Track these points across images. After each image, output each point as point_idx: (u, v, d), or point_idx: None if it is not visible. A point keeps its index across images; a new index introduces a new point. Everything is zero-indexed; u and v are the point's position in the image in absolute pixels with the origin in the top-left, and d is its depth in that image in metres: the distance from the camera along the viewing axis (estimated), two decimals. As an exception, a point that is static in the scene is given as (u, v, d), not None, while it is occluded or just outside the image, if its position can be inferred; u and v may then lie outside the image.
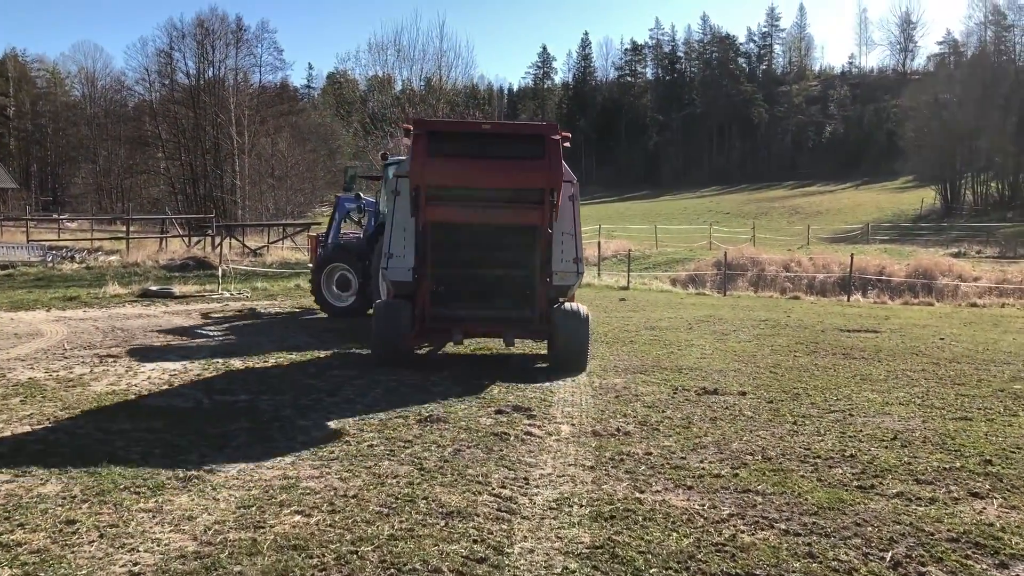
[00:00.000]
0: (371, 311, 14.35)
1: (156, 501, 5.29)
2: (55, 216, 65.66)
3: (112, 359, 10.67)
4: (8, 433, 6.91)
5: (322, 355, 11.26)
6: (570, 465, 6.29)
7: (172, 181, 63.79)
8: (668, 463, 6.37)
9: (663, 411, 8.11)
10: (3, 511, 5.07)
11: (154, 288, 19.69)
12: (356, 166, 17.38)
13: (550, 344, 10.55)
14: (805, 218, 73.01)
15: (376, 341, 10.20)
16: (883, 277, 28.40)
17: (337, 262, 15.69)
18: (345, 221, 17.64)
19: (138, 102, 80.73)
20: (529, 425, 7.45)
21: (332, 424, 7.39)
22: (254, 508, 5.20)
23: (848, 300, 24.08)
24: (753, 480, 5.98)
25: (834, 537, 4.94)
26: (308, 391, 8.78)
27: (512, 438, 7.01)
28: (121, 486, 5.55)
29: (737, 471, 6.19)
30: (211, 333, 13.38)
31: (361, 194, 16.94)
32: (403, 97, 39.10)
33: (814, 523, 5.15)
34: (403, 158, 14.90)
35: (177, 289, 20.04)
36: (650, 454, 6.61)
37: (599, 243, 33.84)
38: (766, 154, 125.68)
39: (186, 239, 35.47)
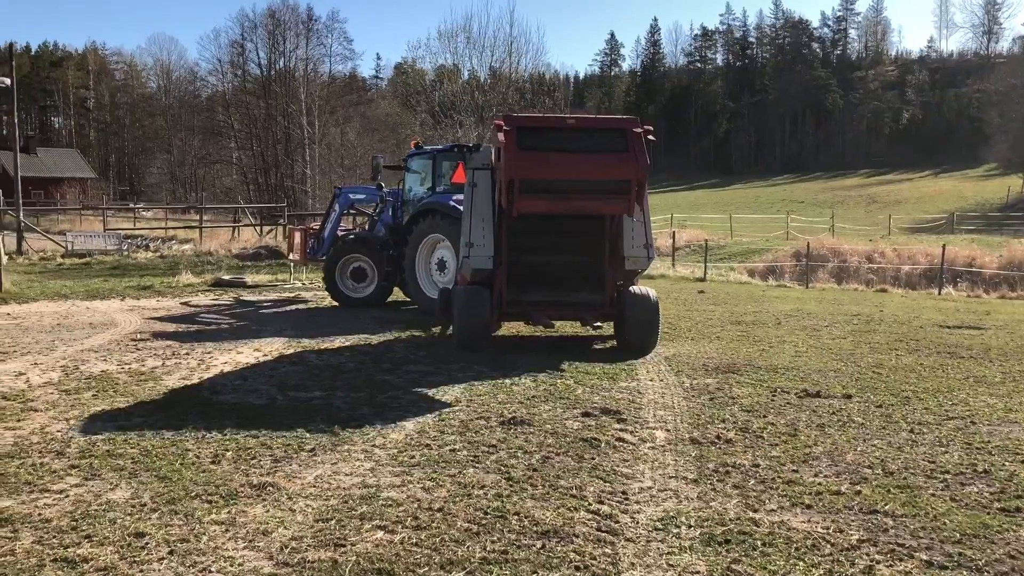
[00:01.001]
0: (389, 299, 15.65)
1: (229, 512, 4.92)
2: (131, 205, 67.27)
3: (185, 351, 10.46)
4: (79, 431, 6.65)
5: (396, 347, 10.89)
6: (671, 477, 5.75)
7: (244, 171, 64.56)
8: (779, 477, 5.79)
9: (764, 416, 7.50)
10: (71, 520, 4.75)
11: (227, 278, 19.66)
12: (382, 156, 17.03)
13: (619, 326, 10.90)
14: (884, 207, 70.69)
15: (459, 326, 10.57)
16: (974, 269, 27.04)
17: (355, 253, 15.53)
18: (345, 214, 17.34)
19: (211, 93, 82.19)
20: (620, 430, 6.92)
21: (411, 425, 6.97)
22: (333, 522, 4.79)
23: (939, 293, 22.92)
24: (878, 499, 5.36)
25: (987, 572, 4.31)
26: (384, 388, 8.39)
27: (603, 444, 6.49)
28: (192, 493, 5.20)
29: (858, 487, 5.57)
30: (284, 324, 13.14)
31: (383, 184, 16.62)
32: (471, 85, 38.73)
33: (960, 553, 4.52)
34: (430, 148, 15.47)
35: (249, 278, 20.00)
36: (757, 466, 6.03)
37: (672, 233, 33.02)
38: (841, 141, 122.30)
39: (258, 228, 35.70)
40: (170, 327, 12.66)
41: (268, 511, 4.95)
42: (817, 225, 46.96)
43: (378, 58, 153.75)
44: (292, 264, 20.52)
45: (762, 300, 17.97)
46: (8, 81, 26.72)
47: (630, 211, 10.28)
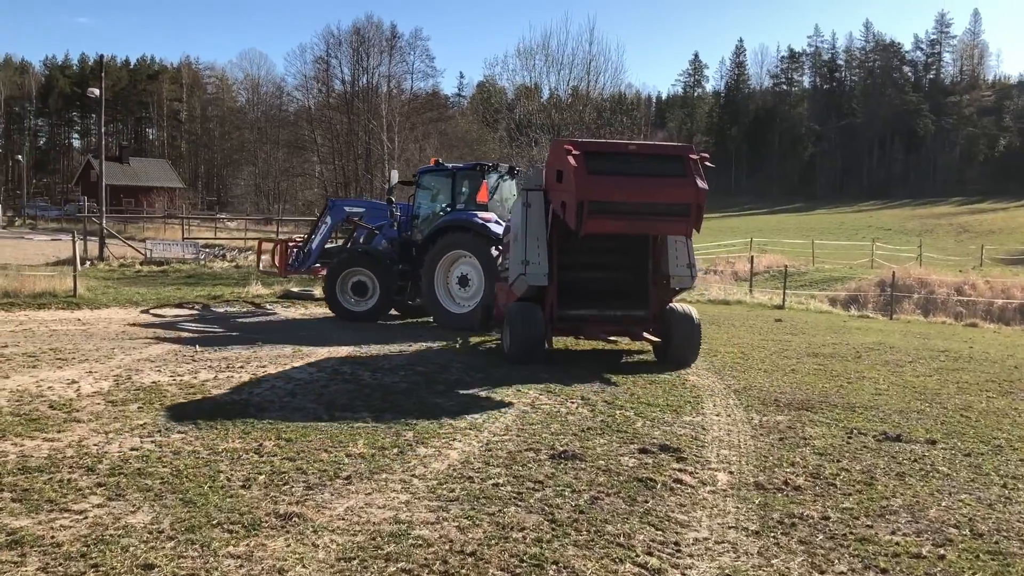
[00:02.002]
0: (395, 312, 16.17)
1: (248, 544, 4.61)
2: (215, 215, 68.89)
3: (240, 364, 10.32)
4: (116, 446, 6.47)
5: (453, 367, 10.56)
6: (730, 528, 5.24)
7: (325, 184, 65.62)
8: (851, 532, 5.23)
9: (838, 460, 6.90)
10: (83, 546, 4.51)
11: (295, 290, 19.69)
12: (396, 171, 17.07)
13: (664, 342, 11.45)
14: (975, 237, 67.82)
15: (515, 342, 10.95)
16: (1074, 305, 25.48)
17: (358, 267, 15.44)
18: (339, 227, 17.51)
19: (297, 107, 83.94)
20: (679, 470, 6.42)
21: (455, 454, 6.60)
22: (355, 561, 4.44)
23: (1035, 330, 21.57)
24: (965, 566, 4.76)
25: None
26: (434, 411, 8.05)
27: (659, 486, 6.01)
28: (214, 521, 4.91)
29: (942, 550, 4.98)
30: (344, 339, 12.95)
31: (393, 199, 16.55)
32: (550, 104, 38.47)
33: (1061, 640, 3.92)
34: (451, 166, 15.62)
35: (318, 292, 19.96)
36: (827, 518, 5.47)
37: (751, 257, 32.06)
38: (931, 168, 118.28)
39: (334, 241, 35.97)
40: (230, 338, 12.59)
41: (289, 545, 4.63)
42: (904, 253, 45.16)
43: (461, 76, 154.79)
44: (255, 277, 20.58)
45: (842, 331, 17.12)
46: (97, 92, 27.47)
47: (688, 233, 10.83)
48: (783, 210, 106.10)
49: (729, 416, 8.42)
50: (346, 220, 17.30)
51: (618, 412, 8.32)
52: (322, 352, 11.55)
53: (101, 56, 34.82)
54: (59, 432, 6.80)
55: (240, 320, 15.12)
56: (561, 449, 6.79)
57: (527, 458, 6.56)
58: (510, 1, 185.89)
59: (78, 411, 7.53)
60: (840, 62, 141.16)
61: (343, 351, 11.72)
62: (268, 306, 17.56)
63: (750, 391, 9.78)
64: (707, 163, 10.62)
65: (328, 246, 17.50)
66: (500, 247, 13.59)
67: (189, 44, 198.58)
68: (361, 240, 16.81)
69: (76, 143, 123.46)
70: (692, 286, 11.99)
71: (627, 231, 10.96)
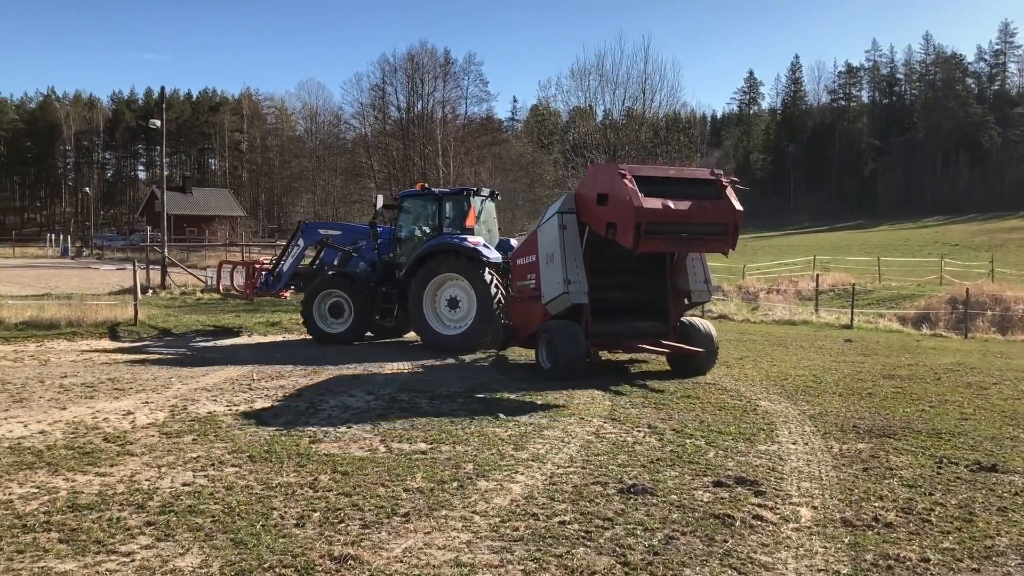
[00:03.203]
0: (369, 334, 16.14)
1: (300, 591, 4.33)
2: (275, 243, 69.82)
3: (296, 392, 10.14)
4: (168, 481, 6.27)
5: (511, 396, 10.23)
6: (819, 571, 4.80)
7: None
8: (956, 577, 4.75)
9: (930, 493, 6.38)
10: (128, 591, 4.27)
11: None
12: (381, 195, 17.35)
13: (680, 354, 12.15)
14: (1049, 251, 65.42)
15: (560, 358, 11.46)
16: None
17: (333, 288, 15.52)
18: (312, 247, 17.45)
19: (354, 135, 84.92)
20: (757, 505, 5.98)
21: (518, 488, 6.25)
22: (414, 610, 4.12)
23: (1123, 347, 20.43)
24: (1091, 617, 4.26)
25: None
26: (493, 442, 7.71)
27: (738, 523, 5.58)
28: (265, 564, 4.64)
29: (1061, 599, 4.48)
30: (403, 366, 12.73)
31: (376, 222, 16.62)
32: (605, 125, 38.12)
33: None
34: (437, 190, 15.77)
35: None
36: (927, 560, 4.99)
37: (816, 276, 31.21)
38: (999, 181, 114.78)
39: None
40: (287, 367, 12.45)
41: (344, 592, 4.33)
42: (974, 269, 43.60)
43: (514, 100, 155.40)
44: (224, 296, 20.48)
45: (917, 351, 16.38)
46: (158, 123, 27.94)
47: (726, 250, 11.59)
48: (844, 227, 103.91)
49: (807, 444, 7.94)
50: (319, 242, 17.26)
51: (688, 441, 7.89)
52: (380, 379, 11.33)
53: (162, 89, 35.63)
54: (112, 466, 6.63)
55: (297, 347, 14.99)
56: (630, 482, 6.40)
57: (594, 492, 6.19)
58: (563, 24, 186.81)
59: (132, 444, 7.38)
60: (900, 76, 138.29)
61: (402, 376, 11.48)
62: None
63: (826, 417, 9.26)
64: (738, 186, 11.58)
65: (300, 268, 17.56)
66: (509, 269, 13.89)
67: (250, 76, 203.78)
68: (335, 262, 16.82)
69: (142, 175, 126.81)
70: (709, 299, 13.23)
71: (673, 249, 11.83)
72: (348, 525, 5.38)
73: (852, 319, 22.52)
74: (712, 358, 12.32)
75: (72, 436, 7.63)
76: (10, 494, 5.86)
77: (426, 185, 16.08)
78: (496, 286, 14.26)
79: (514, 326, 13.13)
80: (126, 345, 14.73)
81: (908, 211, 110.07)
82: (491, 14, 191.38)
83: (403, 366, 12.74)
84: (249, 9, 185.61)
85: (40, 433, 7.73)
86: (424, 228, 15.65)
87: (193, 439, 7.61)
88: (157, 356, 13.31)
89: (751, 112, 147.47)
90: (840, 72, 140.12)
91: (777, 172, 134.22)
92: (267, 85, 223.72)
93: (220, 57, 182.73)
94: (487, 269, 14.25)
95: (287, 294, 18.60)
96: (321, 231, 17.45)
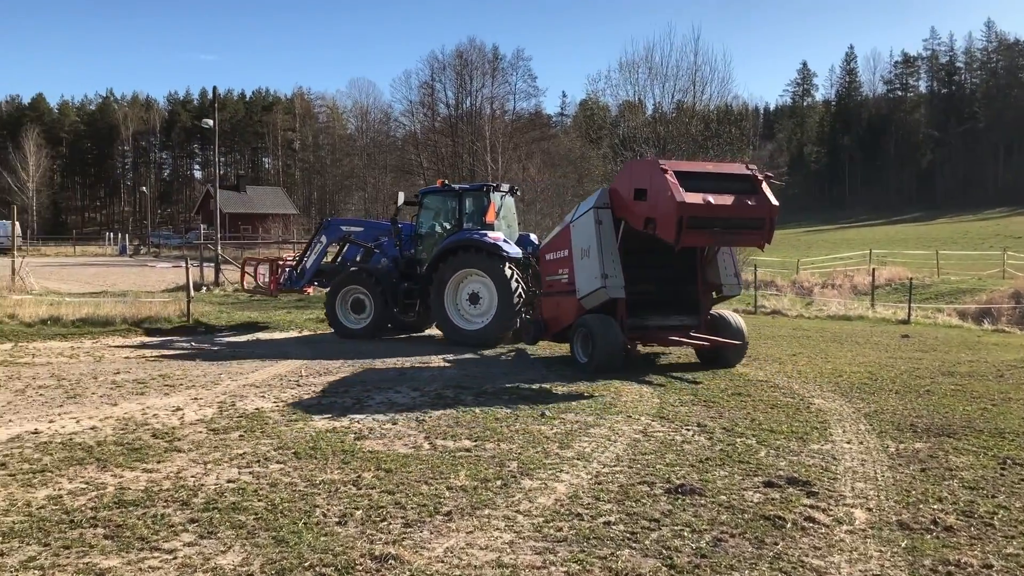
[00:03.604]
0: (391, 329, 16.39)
1: (339, 591, 4.28)
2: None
3: (343, 388, 10.16)
4: (213, 478, 6.29)
5: (558, 391, 10.14)
6: (875, 576, 4.62)
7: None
8: (1021, 585, 4.53)
9: (992, 496, 6.13)
10: (169, 589, 4.27)
11: (401, 312, 19.59)
12: (402, 192, 17.73)
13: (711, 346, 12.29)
14: (1118, 243, 63.18)
15: (599, 351, 11.53)
16: None
17: (355, 284, 15.76)
18: (334, 244, 17.69)
19: (404, 133, 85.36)
20: (810, 507, 5.80)
21: (562, 488, 6.15)
22: (454, 612, 4.05)
23: None
24: None
25: None
26: (538, 440, 7.62)
27: (789, 525, 5.41)
28: (306, 563, 4.61)
29: None
30: (448, 362, 12.71)
31: (396, 219, 16.78)
32: (655, 119, 37.69)
33: None
34: (457, 187, 15.79)
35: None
36: (990, 566, 4.78)
37: (872, 270, 30.53)
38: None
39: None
40: (335, 362, 12.51)
41: (384, 592, 4.28)
42: (1039, 263, 42.33)
43: (563, 95, 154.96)
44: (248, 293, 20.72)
45: (978, 347, 15.88)
46: (211, 122, 28.35)
47: (762, 244, 11.94)
48: (901, 220, 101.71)
49: (861, 444, 7.70)
50: (342, 239, 17.46)
51: (738, 440, 7.71)
52: (426, 375, 11.31)
53: (215, 89, 36.12)
54: (159, 463, 6.68)
55: (344, 343, 15.06)
56: (678, 482, 6.26)
57: (641, 492, 6.06)
58: (612, 17, 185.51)
59: (179, 440, 7.43)
60: (959, 64, 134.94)
61: (448, 373, 11.46)
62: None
63: (882, 415, 8.99)
64: (772, 181, 11.85)
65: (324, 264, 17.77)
66: (529, 265, 14.69)
67: (301, 75, 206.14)
68: (358, 258, 17.05)
69: (198, 174, 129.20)
70: (739, 293, 13.42)
71: (713, 243, 11.94)
72: (390, 523, 5.33)
73: (909, 314, 21.96)
74: (742, 351, 12.49)
75: (122, 432, 7.71)
76: (60, 489, 5.93)
77: (446, 182, 16.26)
78: (516, 281, 14.38)
79: (544, 321, 13.21)
80: (177, 341, 14.94)
81: (968, 203, 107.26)
82: (540, 8, 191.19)
83: (448, 361, 12.72)
84: (301, 8, 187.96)
85: (91, 429, 7.83)
86: (445, 224, 15.81)
87: (240, 435, 7.65)
88: (207, 352, 13.47)
89: (805, 104, 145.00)
90: (897, 62, 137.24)
91: (832, 165, 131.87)
92: (319, 84, 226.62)
93: (273, 57, 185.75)
94: (507, 264, 14.38)
95: (311, 290, 18.92)
96: (343, 227, 17.68)
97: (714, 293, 12.74)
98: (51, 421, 8.15)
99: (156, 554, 4.76)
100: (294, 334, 16.56)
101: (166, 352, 13.50)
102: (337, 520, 5.36)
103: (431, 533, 5.17)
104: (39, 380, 10.50)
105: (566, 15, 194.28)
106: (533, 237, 16.15)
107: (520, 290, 14.37)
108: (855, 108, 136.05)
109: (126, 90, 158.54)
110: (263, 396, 9.61)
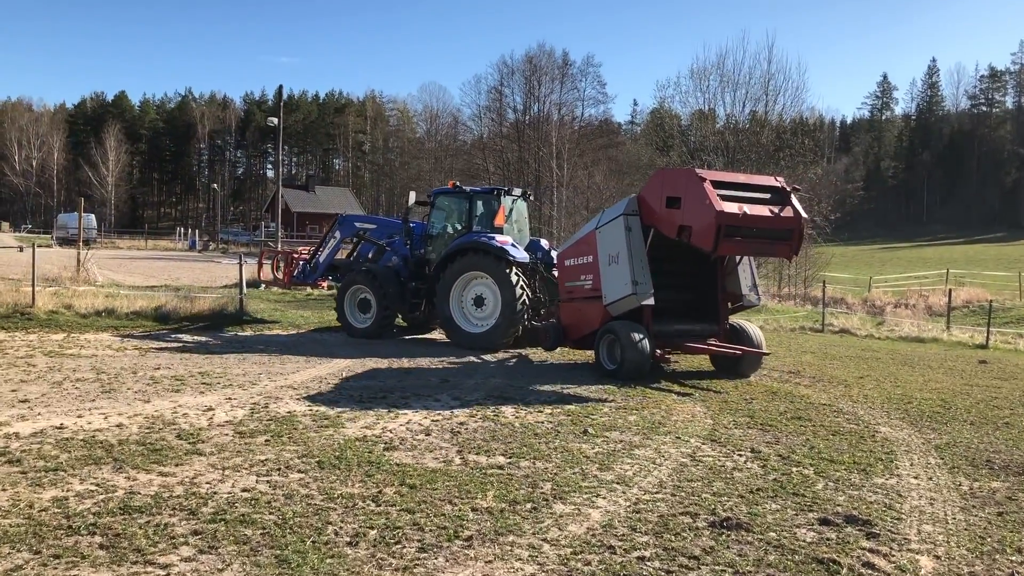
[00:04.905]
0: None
1: (334, 623, 3.88)
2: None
3: (382, 394, 9.82)
4: (228, 485, 5.97)
5: (605, 407, 9.62)
6: (942, 640, 4.05)
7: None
8: (1114, 661, 3.91)
9: (1080, 549, 5.46)
10: (152, 610, 3.93)
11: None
12: (414, 192, 17.60)
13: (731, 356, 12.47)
14: None
15: (628, 360, 11.53)
16: None
17: (361, 284, 15.70)
18: (347, 240, 17.66)
19: (471, 137, 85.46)
20: (869, 550, 5.22)
21: (597, 515, 5.67)
22: (456, 657, 3.62)
23: None
24: None
25: None
26: (576, 459, 7.14)
27: (844, 570, 4.85)
28: (304, 588, 4.23)
29: None
30: (493, 370, 12.31)
31: (408, 218, 16.70)
32: (726, 129, 36.85)
33: None
34: (468, 188, 15.83)
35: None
36: (1077, 635, 4.16)
37: (948, 291, 29.21)
38: None
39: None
40: (381, 364, 12.23)
41: (383, 628, 3.87)
42: None
43: (635, 104, 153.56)
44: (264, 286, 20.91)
45: (1063, 377, 14.85)
46: (276, 121, 28.53)
47: (790, 255, 12.52)
48: (982, 240, 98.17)
49: (931, 480, 7.05)
50: (355, 235, 17.46)
51: (794, 469, 7.12)
52: (469, 384, 10.92)
53: (279, 87, 36.67)
54: (177, 466, 6.40)
55: (394, 345, 14.78)
56: (724, 515, 5.72)
57: (682, 524, 5.55)
58: (686, 23, 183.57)
59: (203, 442, 7.16)
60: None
61: (492, 383, 11.05)
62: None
63: (955, 448, 8.29)
64: (800, 193, 12.02)
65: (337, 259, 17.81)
66: (537, 270, 14.84)
67: (374, 78, 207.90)
68: (370, 256, 16.98)
69: (270, 173, 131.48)
70: (758, 304, 13.56)
71: (747, 253, 12.28)
72: (404, 547, 4.93)
73: (988, 338, 20.81)
74: (759, 362, 12.71)
75: (147, 431, 7.48)
76: (68, 490, 5.67)
77: (458, 183, 16.16)
78: (522, 286, 14.22)
79: (564, 327, 13.09)
80: (224, 337, 14.84)
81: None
82: (612, 14, 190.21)
83: (495, 370, 12.31)
84: (377, 12, 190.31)
85: (117, 426, 7.62)
86: (456, 225, 15.76)
87: (266, 440, 7.35)
88: (252, 349, 13.30)
89: (883, 118, 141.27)
90: (982, 76, 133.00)
91: (910, 180, 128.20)
92: (391, 88, 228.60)
93: (347, 60, 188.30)
94: (514, 269, 14.21)
95: (324, 284, 19.20)
96: (357, 224, 17.69)
97: (730, 304, 12.90)
98: (79, 416, 7.97)
99: (149, 569, 4.43)
100: (342, 335, 16.31)
101: (211, 348, 13.37)
102: (348, 540, 4.98)
103: (446, 560, 4.75)
104: (79, 373, 10.41)
105: (640, 21, 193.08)
106: (544, 243, 16.10)
107: (525, 295, 14.24)
108: (936, 123, 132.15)
109: (204, 89, 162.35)
110: (298, 399, 9.32)
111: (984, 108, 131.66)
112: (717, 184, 11.36)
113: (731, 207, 11.03)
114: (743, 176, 12.59)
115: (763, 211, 11.40)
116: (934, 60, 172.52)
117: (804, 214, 11.84)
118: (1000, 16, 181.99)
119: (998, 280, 42.94)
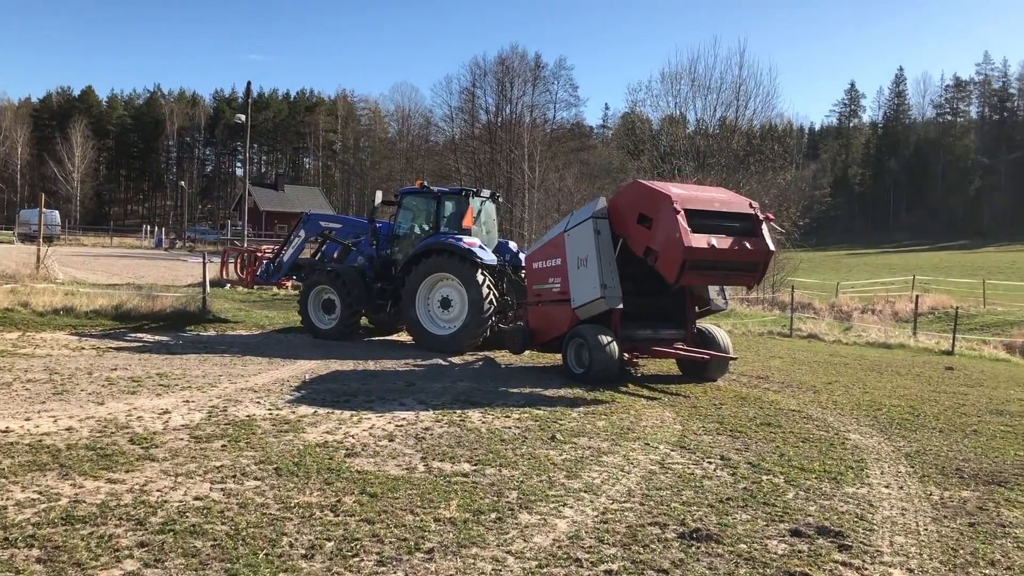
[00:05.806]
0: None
1: (284, 644, 3.67)
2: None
3: (345, 398, 9.58)
4: (180, 493, 5.72)
5: (573, 412, 9.45)
6: (917, 659, 3.91)
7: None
8: None
9: (1053, 561, 5.37)
10: (89, 630, 3.69)
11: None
12: (380, 191, 17.87)
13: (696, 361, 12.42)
14: None
15: (596, 363, 11.43)
16: None
17: (324, 284, 15.47)
18: (312, 239, 17.45)
19: (443, 138, 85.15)
20: (842, 564, 5.09)
21: (564, 526, 5.49)
22: None
23: None
24: None
25: None
26: (544, 467, 6.96)
27: (817, 585, 4.72)
28: (254, 605, 4.01)
29: None
30: (459, 374, 12.11)
31: (374, 218, 16.49)
32: (696, 134, 36.92)
33: None
34: (436, 189, 15.59)
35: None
36: (1053, 653, 4.05)
37: (915, 297, 29.45)
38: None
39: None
40: (346, 366, 11.99)
41: (335, 648, 3.66)
42: (1091, 296, 40.76)
43: (606, 108, 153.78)
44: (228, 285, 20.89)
45: (1028, 384, 14.94)
46: (243, 118, 28.12)
47: (751, 285, 13.04)
48: (947, 247, 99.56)
49: (902, 489, 6.95)
50: (320, 235, 17.24)
51: (764, 478, 7.00)
52: (436, 388, 10.71)
53: (248, 84, 36.09)
54: (127, 472, 6.13)
55: (360, 349, 14.52)
56: (694, 526, 5.57)
57: (650, 536, 5.38)
58: (658, 29, 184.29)
59: (157, 447, 6.89)
60: (1012, 91, 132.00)
61: (459, 387, 10.85)
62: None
63: (924, 456, 8.22)
64: (772, 224, 12.21)
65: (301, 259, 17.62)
66: (505, 273, 14.68)
67: (345, 78, 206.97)
68: (335, 255, 16.78)
69: (239, 171, 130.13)
70: (725, 309, 13.60)
71: (708, 283, 12.31)
72: (362, 560, 4.71)
73: (954, 345, 20.97)
74: (726, 367, 12.69)
75: (98, 435, 7.19)
76: (7, 499, 5.39)
77: (425, 183, 15.92)
78: (488, 288, 14.07)
79: (532, 330, 12.93)
80: (184, 337, 14.51)
81: (1017, 232, 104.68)
82: (585, 17, 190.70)
83: (462, 374, 12.11)
84: (348, 11, 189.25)
85: (67, 430, 7.32)
86: (423, 226, 15.60)
87: (223, 445, 7.09)
88: (213, 350, 12.99)
89: (851, 125, 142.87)
90: (948, 85, 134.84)
91: (876, 188, 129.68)
92: (362, 87, 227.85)
93: (319, 59, 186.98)
94: (480, 270, 14.07)
95: (288, 284, 19.07)
96: (322, 224, 17.46)
97: (697, 308, 12.85)
98: (27, 419, 7.65)
99: (88, 585, 4.19)
100: (308, 336, 16.02)
101: (171, 349, 13.05)
102: (303, 552, 4.76)
103: (405, 574, 4.55)
104: (31, 373, 10.06)
105: (612, 25, 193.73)
106: (512, 245, 15.96)
107: (492, 297, 14.11)
108: (903, 131, 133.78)
109: (173, 86, 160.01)
110: (258, 402, 9.05)
111: (949, 117, 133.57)
112: (691, 213, 11.09)
113: (700, 241, 10.90)
114: (719, 201, 11.99)
115: (731, 243, 11.25)
116: (901, 69, 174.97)
117: (772, 246, 11.78)
118: (965, 27, 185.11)
119: (963, 287, 43.48)
